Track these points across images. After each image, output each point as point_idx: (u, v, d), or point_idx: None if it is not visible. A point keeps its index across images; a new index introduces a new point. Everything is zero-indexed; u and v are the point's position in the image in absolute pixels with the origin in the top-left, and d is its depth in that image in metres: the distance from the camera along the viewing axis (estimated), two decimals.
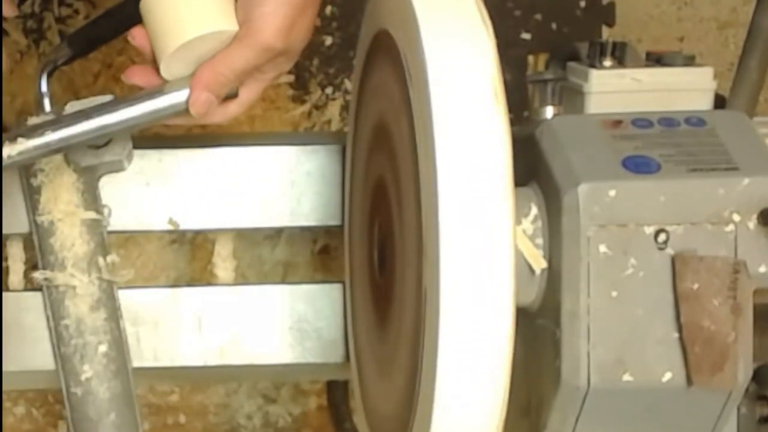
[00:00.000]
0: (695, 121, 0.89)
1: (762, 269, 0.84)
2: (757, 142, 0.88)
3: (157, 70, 0.90)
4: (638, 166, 0.85)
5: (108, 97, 0.93)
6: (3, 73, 1.76)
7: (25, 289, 1.08)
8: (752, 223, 0.84)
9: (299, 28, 0.87)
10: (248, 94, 0.91)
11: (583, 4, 1.78)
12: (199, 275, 1.15)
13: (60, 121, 0.90)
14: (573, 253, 0.84)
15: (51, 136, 0.89)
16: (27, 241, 1.07)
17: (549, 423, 0.87)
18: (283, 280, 1.14)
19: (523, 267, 0.86)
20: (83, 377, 1.04)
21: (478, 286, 0.78)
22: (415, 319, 0.83)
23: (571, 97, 0.98)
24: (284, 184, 1.08)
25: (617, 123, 0.89)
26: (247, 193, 1.07)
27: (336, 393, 1.69)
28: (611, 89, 0.97)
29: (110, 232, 1.06)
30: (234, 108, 0.91)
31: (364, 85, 0.99)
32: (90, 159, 1.02)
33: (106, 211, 1.05)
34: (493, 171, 0.78)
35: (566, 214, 0.84)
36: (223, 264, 1.10)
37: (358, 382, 1.03)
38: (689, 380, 0.84)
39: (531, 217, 0.87)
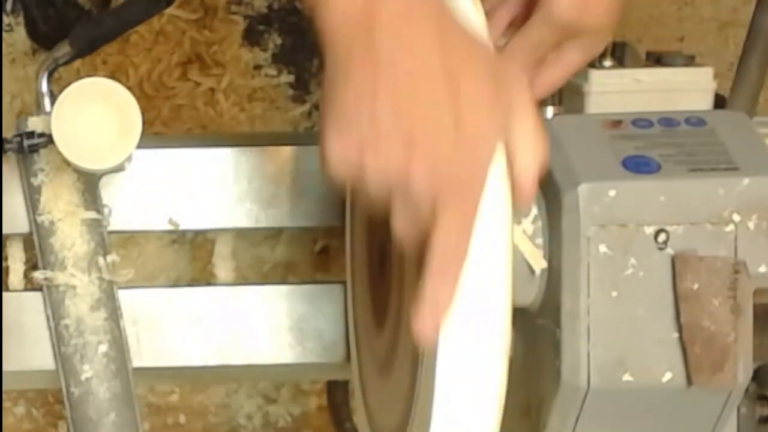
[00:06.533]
0: (695, 121, 0.89)
1: (762, 269, 0.84)
2: (757, 142, 0.88)
3: None
4: (638, 166, 0.85)
5: None
6: (3, 73, 1.76)
7: (25, 289, 1.08)
8: (752, 223, 0.84)
9: (595, 3, 0.86)
10: (552, 75, 0.90)
11: None
12: (199, 275, 1.15)
13: None
14: (573, 253, 0.84)
15: None
16: (27, 241, 1.07)
17: (549, 423, 0.87)
18: (283, 280, 1.14)
19: (523, 267, 0.86)
20: (83, 377, 1.04)
21: (476, 285, 0.78)
22: None
23: (571, 97, 0.98)
24: (284, 184, 1.08)
25: (617, 123, 0.89)
26: (247, 193, 1.07)
27: (336, 393, 1.69)
28: (611, 89, 0.97)
29: (110, 232, 1.06)
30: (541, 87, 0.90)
31: None
32: None
33: (106, 211, 1.05)
34: (492, 170, 0.78)
35: (566, 214, 0.84)
36: (223, 264, 1.10)
37: (359, 382, 1.03)
38: (689, 380, 0.84)
39: (531, 217, 0.87)
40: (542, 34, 0.86)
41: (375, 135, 0.73)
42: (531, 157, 0.77)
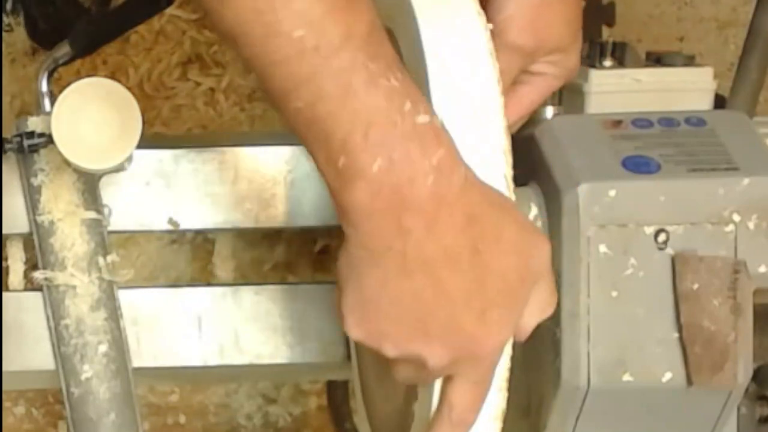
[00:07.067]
0: (695, 121, 0.89)
1: (762, 269, 0.84)
2: (757, 142, 0.88)
3: None
4: (638, 166, 0.85)
5: None
6: (3, 73, 1.76)
7: (25, 289, 1.08)
8: (752, 223, 0.84)
9: (547, 23, 0.87)
10: (525, 94, 0.90)
11: (583, 4, 1.78)
12: (199, 275, 1.15)
13: None
14: (573, 253, 0.84)
15: None
16: (27, 241, 1.07)
17: (549, 423, 0.87)
18: (283, 280, 1.14)
19: None
20: (83, 377, 1.04)
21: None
22: None
23: (571, 97, 0.98)
24: (284, 184, 1.08)
25: (617, 123, 0.89)
26: (247, 193, 1.07)
27: (336, 393, 1.70)
28: (611, 89, 0.97)
29: (110, 232, 1.06)
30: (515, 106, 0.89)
31: None
32: None
33: (106, 211, 1.05)
34: (494, 166, 0.78)
35: (566, 214, 0.84)
36: (223, 264, 1.10)
37: (359, 382, 1.03)
38: (689, 380, 0.84)
39: (531, 217, 0.87)
40: (503, 61, 0.83)
41: (395, 332, 0.73)
42: (535, 320, 0.78)
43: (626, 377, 0.84)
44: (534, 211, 0.87)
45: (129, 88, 0.96)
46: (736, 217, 0.84)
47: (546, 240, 0.77)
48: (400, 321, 0.73)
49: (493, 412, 0.79)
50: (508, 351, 0.78)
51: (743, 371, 0.84)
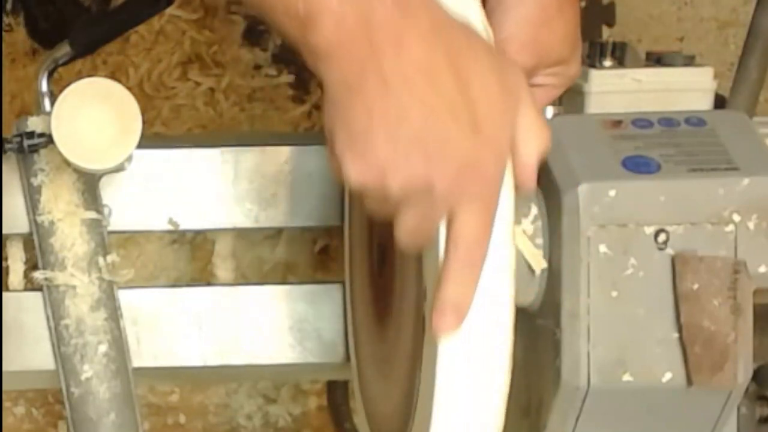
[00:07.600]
0: (695, 121, 0.89)
1: (762, 269, 0.84)
2: (757, 142, 0.88)
3: None
4: (638, 166, 0.85)
5: None
6: (3, 73, 1.76)
7: (25, 289, 1.08)
8: (752, 223, 0.84)
9: (546, 39, 0.86)
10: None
11: (583, 4, 1.78)
12: (199, 275, 1.15)
13: None
14: (573, 253, 0.84)
15: None
16: (27, 241, 1.07)
17: (549, 423, 0.87)
18: (283, 280, 1.14)
19: (523, 267, 0.86)
20: (83, 377, 1.04)
21: (481, 281, 0.78)
22: (415, 318, 0.83)
23: (571, 97, 0.98)
24: (284, 184, 1.08)
25: (617, 123, 0.89)
26: (247, 193, 1.08)
27: (336, 393, 1.70)
28: (611, 89, 0.97)
29: (110, 232, 1.06)
30: None
31: None
32: None
33: (106, 211, 1.05)
34: None
35: (566, 215, 0.84)
36: (223, 264, 1.10)
37: (359, 382, 1.03)
38: (689, 380, 0.84)
39: (531, 217, 0.87)
40: None
41: (393, 156, 0.72)
42: (533, 150, 0.78)
43: (626, 377, 0.84)
44: (534, 211, 0.87)
45: (129, 88, 0.97)
46: (736, 217, 0.84)
47: (516, 63, 0.77)
48: (395, 145, 0.72)
49: (504, 264, 0.77)
50: (510, 205, 0.77)
51: (743, 371, 0.84)
